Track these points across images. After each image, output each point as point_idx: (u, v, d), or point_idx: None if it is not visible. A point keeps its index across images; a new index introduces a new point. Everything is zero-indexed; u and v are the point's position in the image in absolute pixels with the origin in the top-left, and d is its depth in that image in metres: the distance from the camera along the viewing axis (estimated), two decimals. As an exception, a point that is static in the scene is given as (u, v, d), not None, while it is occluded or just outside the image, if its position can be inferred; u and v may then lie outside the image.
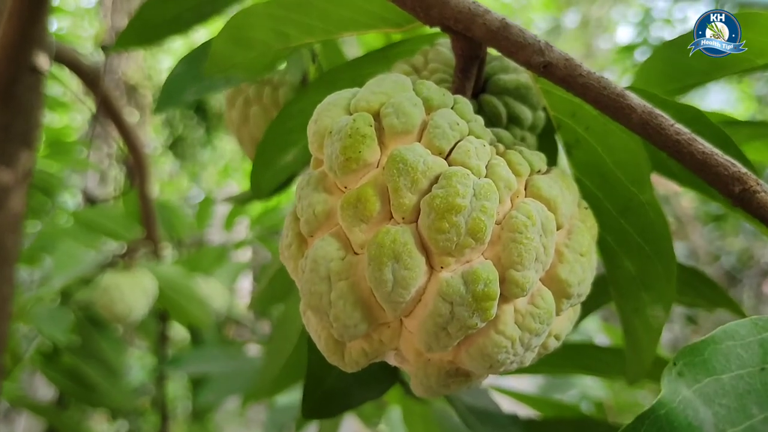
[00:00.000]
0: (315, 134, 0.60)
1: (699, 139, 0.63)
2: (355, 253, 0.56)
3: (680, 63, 0.90)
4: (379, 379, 0.81)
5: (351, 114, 0.58)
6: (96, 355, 2.28)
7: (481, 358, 0.56)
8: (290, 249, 0.60)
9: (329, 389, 0.76)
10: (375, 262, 0.53)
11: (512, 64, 0.76)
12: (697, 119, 0.71)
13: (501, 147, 0.61)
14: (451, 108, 0.60)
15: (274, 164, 0.92)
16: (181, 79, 1.01)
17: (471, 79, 0.68)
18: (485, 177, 0.55)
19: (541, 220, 0.55)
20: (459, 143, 0.57)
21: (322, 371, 0.76)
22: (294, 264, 0.60)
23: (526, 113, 0.74)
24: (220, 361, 2.35)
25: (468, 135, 0.58)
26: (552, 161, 0.78)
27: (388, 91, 0.59)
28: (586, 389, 2.30)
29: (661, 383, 0.42)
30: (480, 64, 0.69)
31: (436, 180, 0.54)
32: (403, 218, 0.54)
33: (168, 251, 2.71)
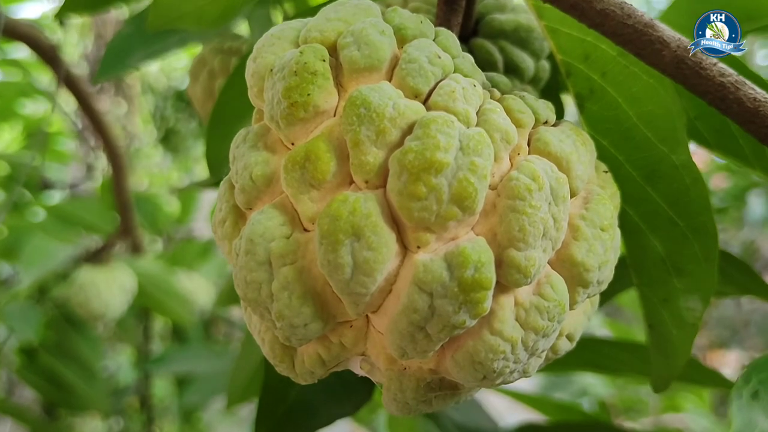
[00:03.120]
0: (254, 75, 0.46)
1: (749, 82, 0.49)
2: (305, 230, 0.42)
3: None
4: (354, 389, 0.67)
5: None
6: (73, 356, 2.18)
7: (471, 367, 0.42)
8: (224, 226, 0.47)
9: (291, 405, 0.63)
10: (328, 240, 0.39)
11: (510, 2, 0.63)
12: (734, 67, 0.58)
13: (497, 92, 0.47)
14: (433, 40, 0.46)
15: (233, 135, 0.78)
16: (128, 42, 0.88)
17: (457, 13, 0.54)
18: (476, 126, 0.42)
19: (549, 184, 0.42)
20: (441, 83, 0.43)
21: (282, 383, 0.62)
22: (229, 246, 0.46)
23: (526, 61, 0.61)
24: (205, 361, 2.26)
25: (453, 72, 0.44)
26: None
27: (348, 17, 0.45)
28: (588, 386, 2.18)
29: (729, 411, 0.28)
30: (470, -5, 0.56)
31: (410, 130, 0.40)
32: (366, 182, 0.41)
33: (150, 245, 2.60)
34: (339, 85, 0.43)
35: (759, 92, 0.49)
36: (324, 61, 0.43)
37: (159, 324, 2.58)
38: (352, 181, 0.41)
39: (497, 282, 0.40)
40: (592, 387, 2.18)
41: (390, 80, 0.43)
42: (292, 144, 0.43)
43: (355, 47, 0.43)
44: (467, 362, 0.42)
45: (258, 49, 0.47)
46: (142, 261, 2.17)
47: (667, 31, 0.49)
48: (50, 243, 2.10)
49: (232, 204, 0.46)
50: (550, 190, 0.41)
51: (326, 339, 0.45)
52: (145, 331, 2.44)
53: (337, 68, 0.44)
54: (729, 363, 3.37)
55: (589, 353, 0.85)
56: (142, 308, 2.29)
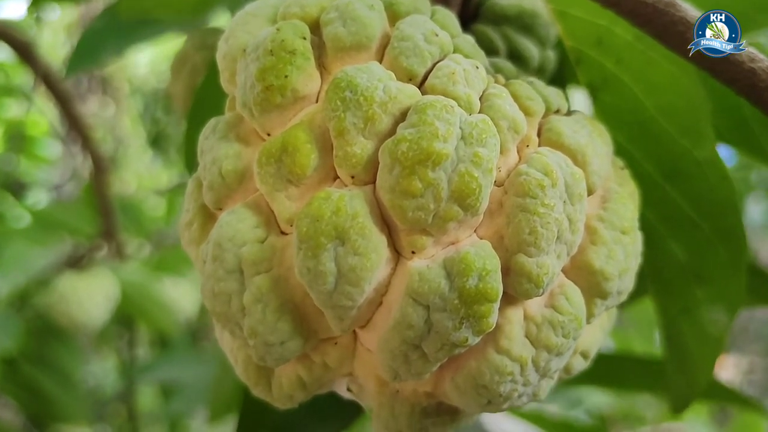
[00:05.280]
0: (225, 58, 0.41)
1: (781, 69, 0.44)
2: (282, 233, 0.37)
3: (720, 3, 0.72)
4: (343, 404, 0.61)
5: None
6: (53, 365, 2.12)
7: (474, 391, 0.37)
8: (191, 229, 0.41)
9: (273, 427, 0.57)
10: (308, 244, 0.33)
11: (513, -16, 0.57)
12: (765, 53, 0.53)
13: (501, 78, 0.42)
14: (430, 18, 0.41)
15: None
16: (100, 34, 0.82)
17: (456, -7, 0.49)
18: (479, 113, 0.36)
19: (564, 179, 0.36)
20: (439, 64, 0.38)
21: (262, 401, 0.56)
22: (196, 251, 0.40)
23: (531, 50, 0.55)
24: (192, 368, 2.21)
25: (453, 53, 0.39)
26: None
27: (333, -10, 0.40)
28: (584, 395, 2.13)
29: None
30: (469, -25, 0.50)
31: (403, 116, 0.35)
32: (352, 177, 0.35)
33: (138, 250, 2.54)
34: (322, 66, 0.38)
35: (793, 80, 0.44)
36: (305, 38, 0.37)
37: (145, 331, 2.52)
38: (336, 177, 0.36)
39: (504, 293, 0.35)
40: (589, 396, 2.13)
41: (380, 61, 0.38)
42: (268, 134, 0.38)
43: (341, 23, 0.37)
44: (470, 385, 0.37)
45: (231, 29, 0.41)
46: (125, 267, 2.11)
47: (691, 11, 0.44)
48: (30, 249, 2.04)
49: (200, 203, 0.40)
50: (564, 186, 0.36)
51: (307, 358, 0.39)
52: (129, 338, 2.38)
53: (319, 47, 0.38)
54: (727, 368, 3.36)
55: (594, 368, 0.80)
56: (126, 315, 2.23)
